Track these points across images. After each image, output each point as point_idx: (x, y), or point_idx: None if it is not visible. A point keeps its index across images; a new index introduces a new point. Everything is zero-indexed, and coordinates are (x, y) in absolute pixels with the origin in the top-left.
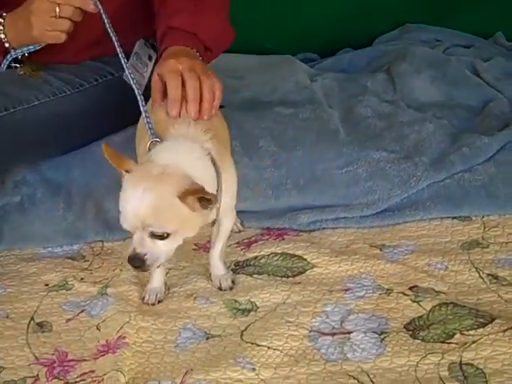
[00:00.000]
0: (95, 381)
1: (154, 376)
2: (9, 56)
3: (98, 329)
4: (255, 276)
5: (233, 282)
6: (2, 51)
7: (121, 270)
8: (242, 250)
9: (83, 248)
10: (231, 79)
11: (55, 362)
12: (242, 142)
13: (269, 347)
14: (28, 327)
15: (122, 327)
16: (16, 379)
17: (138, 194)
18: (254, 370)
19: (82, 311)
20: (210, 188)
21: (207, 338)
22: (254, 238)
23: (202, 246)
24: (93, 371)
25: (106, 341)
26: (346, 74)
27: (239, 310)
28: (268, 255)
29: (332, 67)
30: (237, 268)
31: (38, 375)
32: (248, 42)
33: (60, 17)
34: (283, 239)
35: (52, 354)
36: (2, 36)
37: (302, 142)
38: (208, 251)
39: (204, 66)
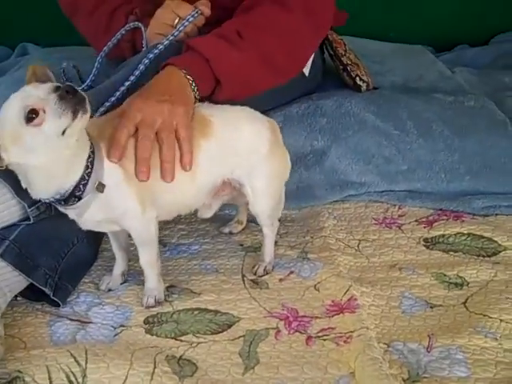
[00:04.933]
0: (341, 336)
1: (395, 337)
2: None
3: (316, 289)
4: (451, 253)
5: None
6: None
7: (311, 237)
8: (424, 227)
9: None
10: (372, 63)
11: (288, 316)
12: (416, 123)
13: (501, 320)
14: (244, 282)
15: (348, 290)
16: (258, 329)
17: None
18: (496, 339)
19: (291, 272)
20: None
21: (431, 307)
22: (431, 217)
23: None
24: (332, 328)
25: (332, 301)
26: (479, 70)
27: (450, 283)
28: (455, 234)
29: (454, 61)
30: (428, 244)
31: (277, 327)
32: (371, 29)
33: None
34: (463, 221)
35: (282, 310)
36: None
37: (473, 129)
38: None
39: (170, 115)
